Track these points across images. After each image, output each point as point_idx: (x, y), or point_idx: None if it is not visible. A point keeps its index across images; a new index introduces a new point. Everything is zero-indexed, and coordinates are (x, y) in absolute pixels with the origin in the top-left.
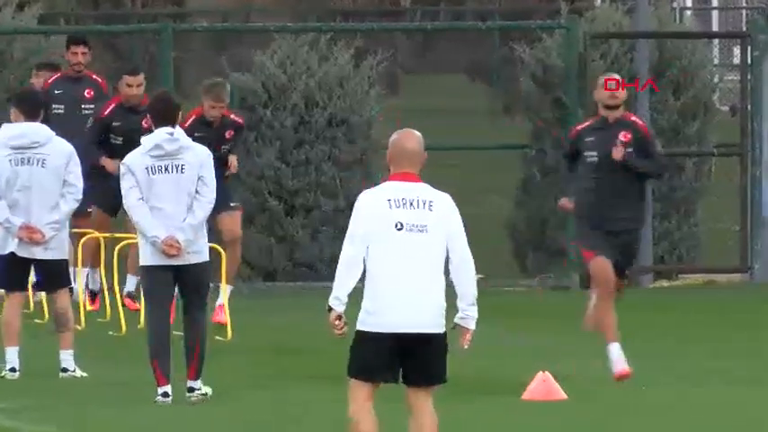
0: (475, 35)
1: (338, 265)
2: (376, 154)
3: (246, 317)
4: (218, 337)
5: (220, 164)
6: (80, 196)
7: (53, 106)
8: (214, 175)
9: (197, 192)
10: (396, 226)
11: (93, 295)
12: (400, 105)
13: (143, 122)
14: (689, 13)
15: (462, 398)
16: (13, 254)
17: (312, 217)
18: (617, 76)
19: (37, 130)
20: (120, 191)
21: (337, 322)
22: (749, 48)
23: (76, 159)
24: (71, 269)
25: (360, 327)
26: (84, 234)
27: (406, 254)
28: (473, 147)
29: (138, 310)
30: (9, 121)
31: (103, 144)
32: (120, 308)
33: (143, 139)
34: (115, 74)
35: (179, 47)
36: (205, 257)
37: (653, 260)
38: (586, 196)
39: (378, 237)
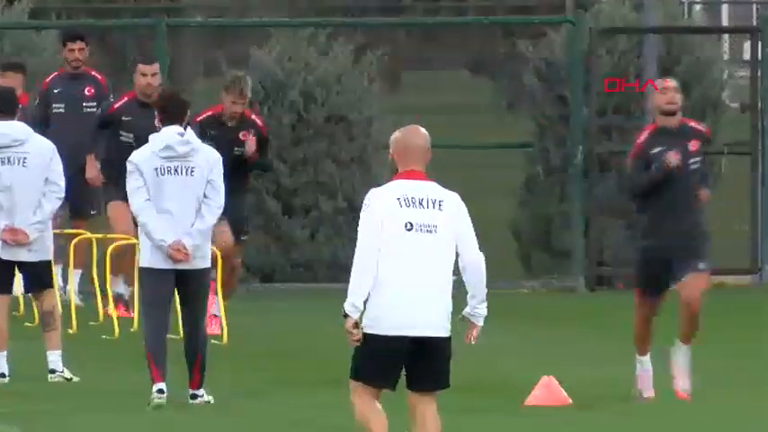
0: (477, 30)
1: (353, 270)
2: (377, 152)
3: (244, 319)
4: (214, 341)
5: (233, 167)
6: (62, 194)
7: (53, 106)
8: (223, 180)
9: (206, 196)
10: (406, 226)
11: (123, 302)
12: (400, 102)
13: (156, 122)
14: (698, 7)
15: (464, 403)
16: None
17: (311, 217)
18: (673, 81)
19: (16, 128)
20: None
21: (354, 331)
22: (760, 43)
23: (57, 157)
24: (56, 269)
25: (367, 329)
26: (77, 234)
27: (415, 255)
28: (473, 146)
29: (132, 317)
30: None
31: (112, 141)
32: (113, 311)
33: (151, 137)
34: (110, 71)
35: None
36: (208, 263)
37: None
38: (656, 216)
39: (387, 237)
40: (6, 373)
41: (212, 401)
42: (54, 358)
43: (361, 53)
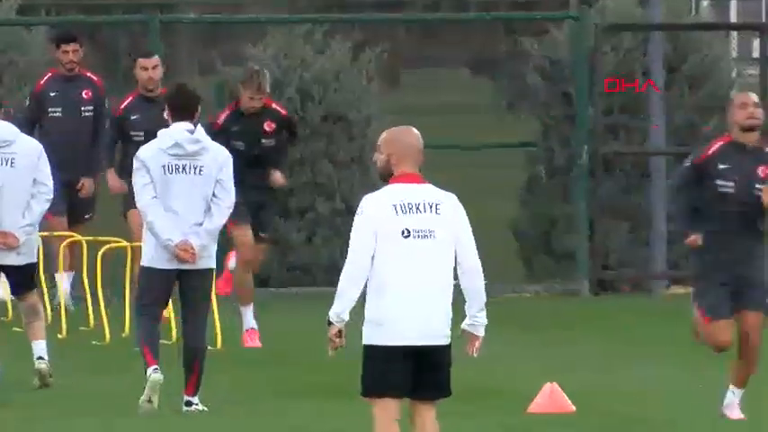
0: (478, 27)
1: (341, 277)
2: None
3: (239, 325)
4: (208, 347)
5: (260, 163)
6: (51, 196)
7: (49, 110)
8: (232, 178)
9: (215, 195)
10: (402, 233)
11: None
12: (400, 101)
13: (165, 114)
14: (705, 3)
15: (465, 410)
16: None
17: (307, 219)
18: (754, 96)
19: (3, 129)
20: None
21: (337, 340)
22: None
23: (45, 158)
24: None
25: (368, 341)
26: (66, 237)
27: (413, 262)
28: (472, 146)
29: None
30: None
31: (125, 145)
32: (104, 316)
33: (159, 133)
34: (102, 70)
35: (167, 41)
36: (213, 264)
37: (667, 266)
38: (709, 238)
39: (383, 245)
40: None
41: (206, 410)
42: (40, 347)
43: (360, 50)
